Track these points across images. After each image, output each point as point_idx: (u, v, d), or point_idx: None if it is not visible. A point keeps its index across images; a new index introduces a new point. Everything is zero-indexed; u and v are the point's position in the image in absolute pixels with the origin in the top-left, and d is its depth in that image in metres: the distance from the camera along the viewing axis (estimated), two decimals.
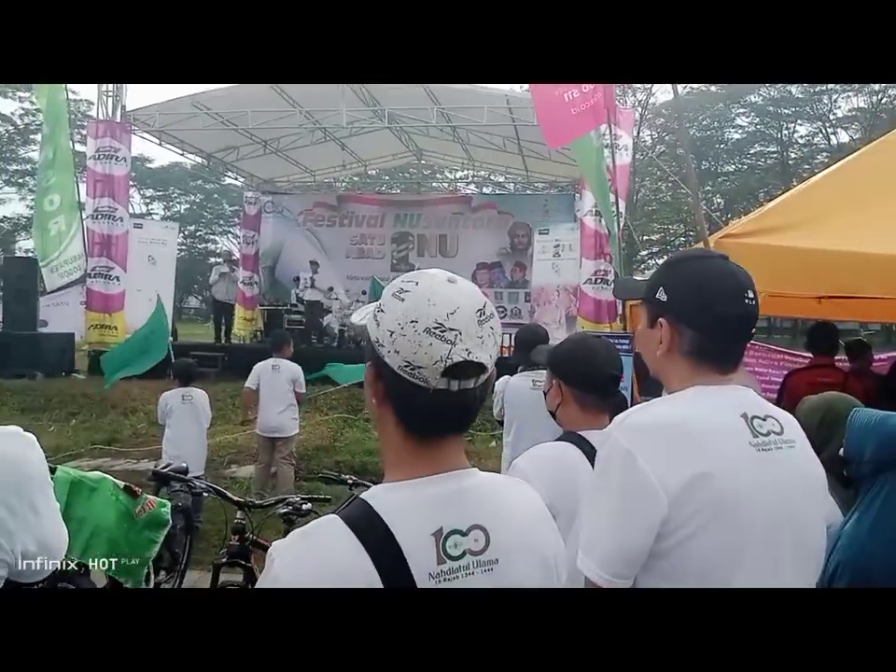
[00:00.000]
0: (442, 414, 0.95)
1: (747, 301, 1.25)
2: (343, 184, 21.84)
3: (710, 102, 28.68)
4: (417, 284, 0.95)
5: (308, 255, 15.97)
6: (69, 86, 10.82)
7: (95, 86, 12.18)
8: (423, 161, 19.43)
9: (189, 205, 38.78)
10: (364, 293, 14.74)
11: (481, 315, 0.94)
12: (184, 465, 3.79)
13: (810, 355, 4.82)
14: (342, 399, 10.49)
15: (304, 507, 3.13)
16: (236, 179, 18.75)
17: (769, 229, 3.32)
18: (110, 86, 12.00)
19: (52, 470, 2.96)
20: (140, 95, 17.55)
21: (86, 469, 7.48)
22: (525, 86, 27.10)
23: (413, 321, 0.90)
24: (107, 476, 3.04)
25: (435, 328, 0.90)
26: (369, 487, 3.16)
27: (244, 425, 6.89)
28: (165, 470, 3.57)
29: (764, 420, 1.24)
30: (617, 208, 7.65)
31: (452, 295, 0.94)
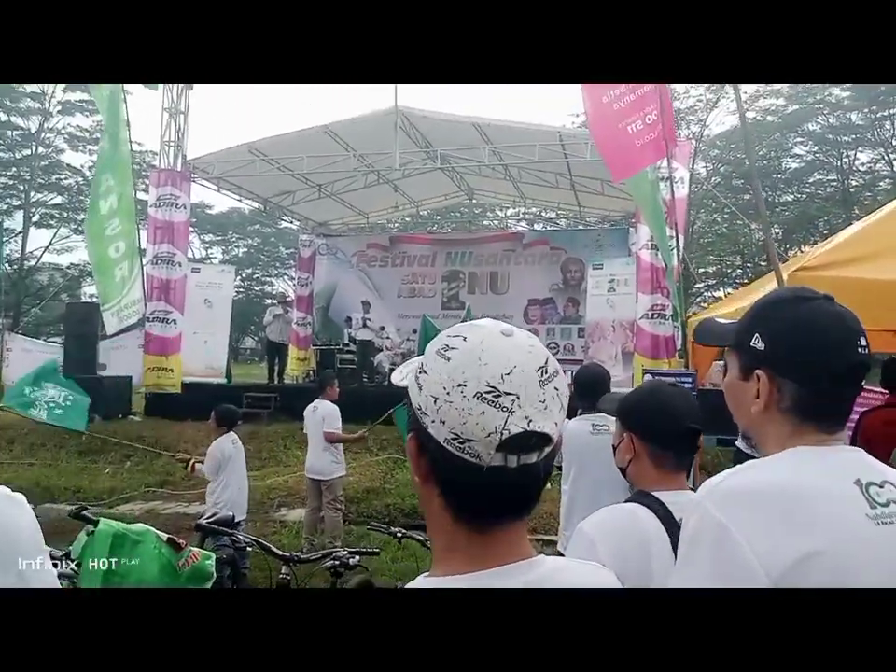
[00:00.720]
0: (500, 496, 0.78)
1: (860, 349, 1.06)
2: (396, 225, 22.12)
3: (766, 132, 28.09)
4: (465, 339, 0.79)
5: (360, 295, 16.09)
6: (133, 137, 11.18)
7: (158, 137, 12.64)
8: (474, 200, 19.49)
9: (246, 249, 39.87)
10: (415, 332, 14.73)
11: (542, 374, 0.78)
12: (230, 514, 3.69)
13: (885, 391, 4.44)
14: (391, 438, 10.37)
15: (351, 561, 2.98)
16: (292, 223, 19.13)
17: (844, 261, 3.13)
18: (172, 136, 12.44)
19: (95, 523, 2.90)
20: (200, 145, 18.23)
21: (138, 512, 7.58)
22: (577, 122, 27.14)
23: (460, 384, 0.75)
24: (151, 528, 2.95)
25: (487, 392, 0.74)
26: (420, 541, 2.97)
27: None
28: (210, 521, 3.48)
29: (882, 487, 1.02)
30: (676, 241, 7.39)
31: (507, 351, 0.78)
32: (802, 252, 29.24)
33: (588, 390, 3.55)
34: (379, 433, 10.41)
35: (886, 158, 28.61)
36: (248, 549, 3.25)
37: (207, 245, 38.76)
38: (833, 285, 2.97)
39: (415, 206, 18.49)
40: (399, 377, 0.89)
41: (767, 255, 3.52)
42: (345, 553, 3.05)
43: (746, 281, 33.44)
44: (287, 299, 16.57)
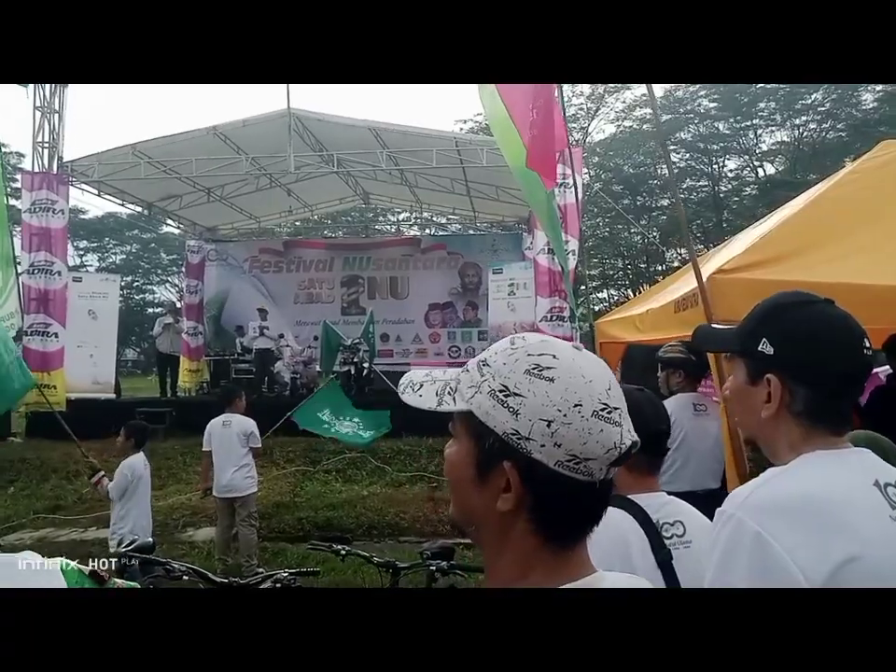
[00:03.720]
0: (595, 511, 0.79)
1: (865, 350, 1.12)
2: (288, 229, 21.58)
3: (642, 139, 29.66)
4: (555, 357, 0.78)
5: (255, 302, 15.60)
6: None
7: (30, 137, 11.70)
8: (369, 205, 19.38)
9: (125, 255, 37.79)
10: (316, 338, 14.46)
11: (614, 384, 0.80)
12: (149, 540, 3.46)
13: None
14: (298, 450, 10.13)
15: (294, 584, 2.87)
16: (177, 228, 18.22)
17: (759, 262, 3.31)
18: (46, 136, 11.57)
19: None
20: (77, 146, 17.09)
21: (29, 541, 6.98)
22: (465, 127, 27.43)
23: (576, 405, 0.74)
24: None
25: (601, 409, 0.75)
26: (365, 558, 2.91)
27: (206, 494, 6.45)
28: (128, 549, 3.25)
29: None
30: (580, 245, 7.64)
31: (595, 365, 0.79)
32: (679, 253, 31.19)
33: None
34: (285, 445, 10.14)
35: (751, 165, 30.92)
36: (184, 578, 3.06)
37: (82, 253, 36.37)
38: (752, 286, 3.16)
39: (309, 211, 18.13)
40: (432, 399, 0.85)
41: (689, 256, 3.69)
42: (286, 574, 2.92)
43: (626, 283, 35.28)
44: (177, 307, 15.81)
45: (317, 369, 14.09)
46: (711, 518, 1.16)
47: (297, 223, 22.81)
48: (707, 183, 31.27)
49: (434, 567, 2.84)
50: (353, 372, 12.73)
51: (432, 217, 25.57)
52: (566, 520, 0.78)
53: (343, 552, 2.92)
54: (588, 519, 0.80)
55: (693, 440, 3.84)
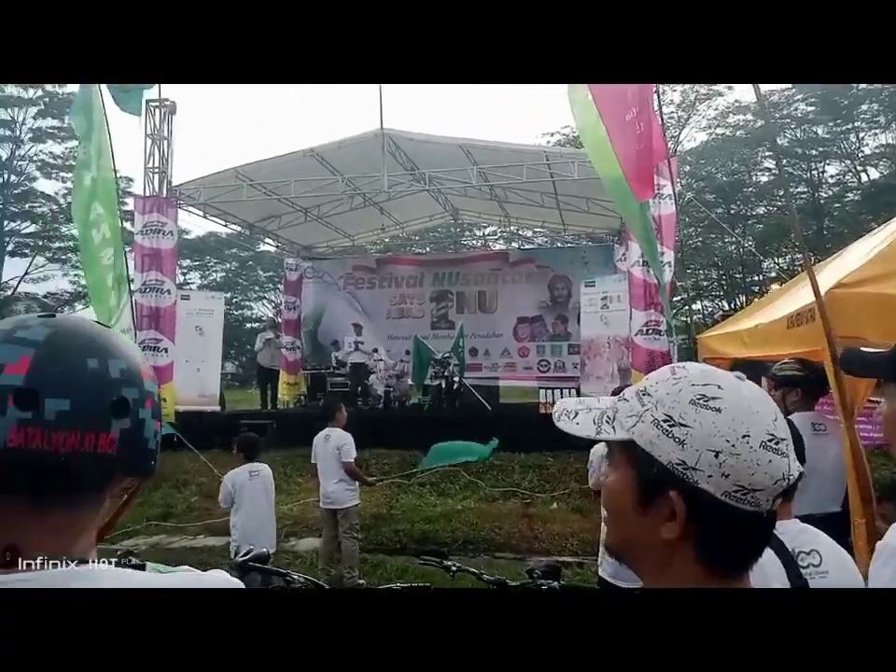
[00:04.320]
0: (761, 542, 0.79)
1: None
2: (378, 246, 22.09)
3: (736, 147, 28.68)
4: (722, 387, 0.78)
5: (349, 318, 16.04)
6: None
7: (140, 163, 12.51)
8: (457, 221, 19.58)
9: (224, 273, 39.55)
10: (407, 353, 14.72)
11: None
12: (264, 550, 3.58)
13: None
14: (393, 462, 10.31)
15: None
16: (273, 246, 18.94)
17: (882, 276, 3.15)
18: (156, 162, 12.33)
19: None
20: (185, 170, 18.11)
21: (143, 547, 7.40)
22: (552, 140, 27.31)
23: (744, 435, 0.75)
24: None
25: (769, 440, 0.75)
26: (475, 575, 2.92)
27: None
28: (245, 559, 3.37)
29: None
30: (685, 259, 7.44)
31: (759, 397, 0.79)
32: (776, 263, 29.86)
33: None
34: (381, 457, 10.35)
35: (853, 170, 29.32)
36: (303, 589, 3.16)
37: (185, 271, 38.38)
38: (876, 302, 3.02)
39: (400, 228, 18.51)
40: (591, 427, 0.86)
41: (805, 268, 3.55)
42: (399, 588, 2.98)
43: (720, 294, 34.02)
44: (276, 323, 16.46)
45: (409, 382, 14.34)
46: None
47: (386, 240, 23.30)
48: (805, 189, 29.83)
49: (545, 587, 2.83)
50: (443, 386, 12.87)
51: (517, 230, 25.52)
52: (731, 550, 0.78)
53: (454, 568, 2.95)
54: (753, 550, 0.80)
55: (812, 460, 3.62)
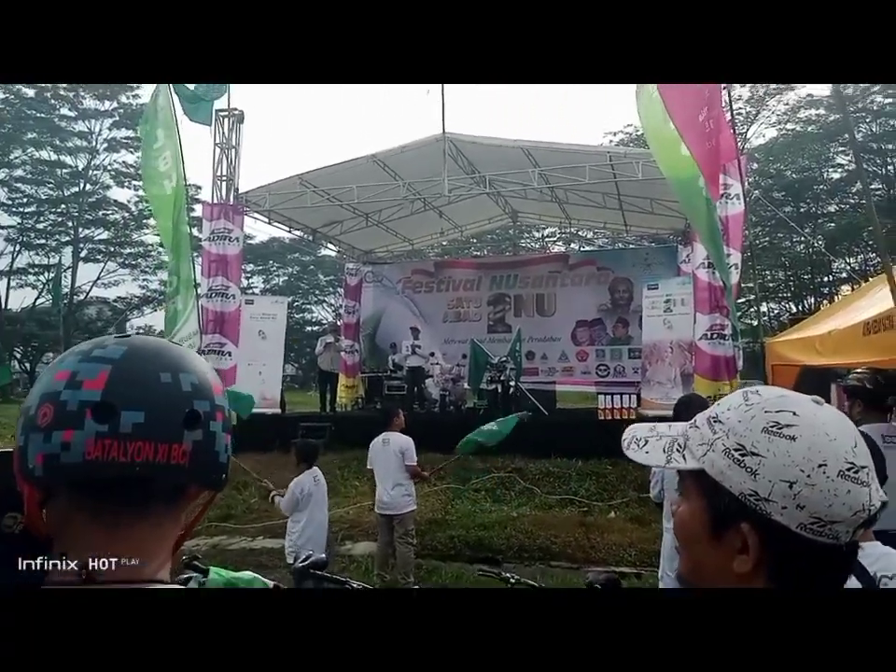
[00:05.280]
0: (841, 575, 0.75)
1: None
2: (436, 250, 22.16)
3: (807, 142, 27.64)
4: (797, 414, 0.73)
5: (406, 321, 16.16)
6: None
7: (208, 171, 12.88)
8: (516, 223, 19.48)
9: (286, 277, 40.44)
10: (464, 356, 14.69)
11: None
12: (323, 556, 3.59)
13: None
14: (449, 467, 10.26)
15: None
16: (336, 251, 19.21)
17: None
18: (224, 170, 12.66)
19: (205, 572, 2.85)
20: (251, 178, 18.56)
21: (204, 548, 7.56)
22: (614, 140, 26.92)
23: (821, 465, 0.70)
24: (257, 576, 2.89)
25: (848, 469, 0.70)
26: (533, 588, 2.85)
27: None
28: (304, 564, 3.39)
29: None
30: (751, 260, 7.19)
31: (838, 422, 0.74)
32: (847, 263, 28.60)
33: None
34: (436, 462, 10.30)
35: None
36: None
37: (248, 276, 39.43)
38: None
39: (459, 231, 18.53)
40: (661, 456, 0.83)
41: (884, 270, 3.36)
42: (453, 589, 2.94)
43: (788, 295, 32.77)
44: (337, 326, 16.69)
45: (465, 386, 14.30)
46: None
47: (444, 243, 23.36)
48: (880, 186, 28.49)
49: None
50: (499, 391, 12.78)
51: (577, 231, 25.23)
52: (807, 584, 0.73)
53: (513, 580, 2.89)
54: (832, 584, 0.74)
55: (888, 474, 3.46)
